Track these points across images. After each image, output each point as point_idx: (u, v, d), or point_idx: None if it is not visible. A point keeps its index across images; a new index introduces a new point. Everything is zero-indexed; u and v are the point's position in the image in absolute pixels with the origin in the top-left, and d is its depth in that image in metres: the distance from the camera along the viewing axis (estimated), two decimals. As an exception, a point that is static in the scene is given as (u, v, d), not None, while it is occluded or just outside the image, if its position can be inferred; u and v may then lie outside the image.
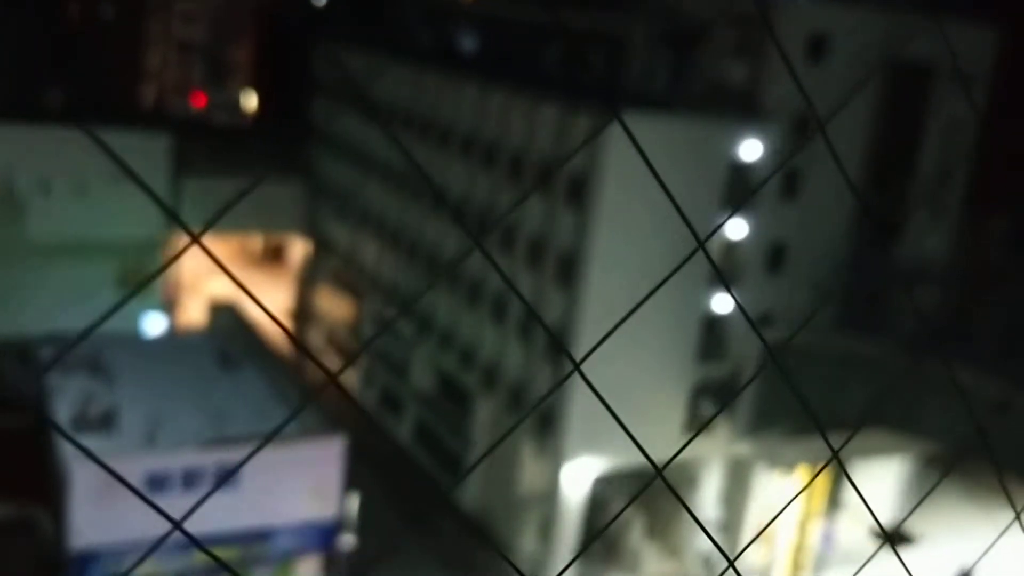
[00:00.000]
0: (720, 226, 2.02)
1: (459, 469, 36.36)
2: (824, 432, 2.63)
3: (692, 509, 33.43)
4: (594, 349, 1.97)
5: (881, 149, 34.65)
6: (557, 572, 30.87)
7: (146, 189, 1.51)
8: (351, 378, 45.43)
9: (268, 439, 1.68)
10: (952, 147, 36.16)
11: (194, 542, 1.59)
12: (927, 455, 36.93)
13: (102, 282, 40.37)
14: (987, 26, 35.59)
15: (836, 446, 2.61)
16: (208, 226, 1.52)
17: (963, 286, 35.55)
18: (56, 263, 40.00)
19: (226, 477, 1.81)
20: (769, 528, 34.98)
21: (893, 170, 35.44)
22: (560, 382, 2.33)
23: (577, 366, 1.92)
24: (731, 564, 2.31)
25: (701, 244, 1.88)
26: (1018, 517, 2.97)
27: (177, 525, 1.53)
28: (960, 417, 25.28)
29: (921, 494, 37.80)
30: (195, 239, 1.44)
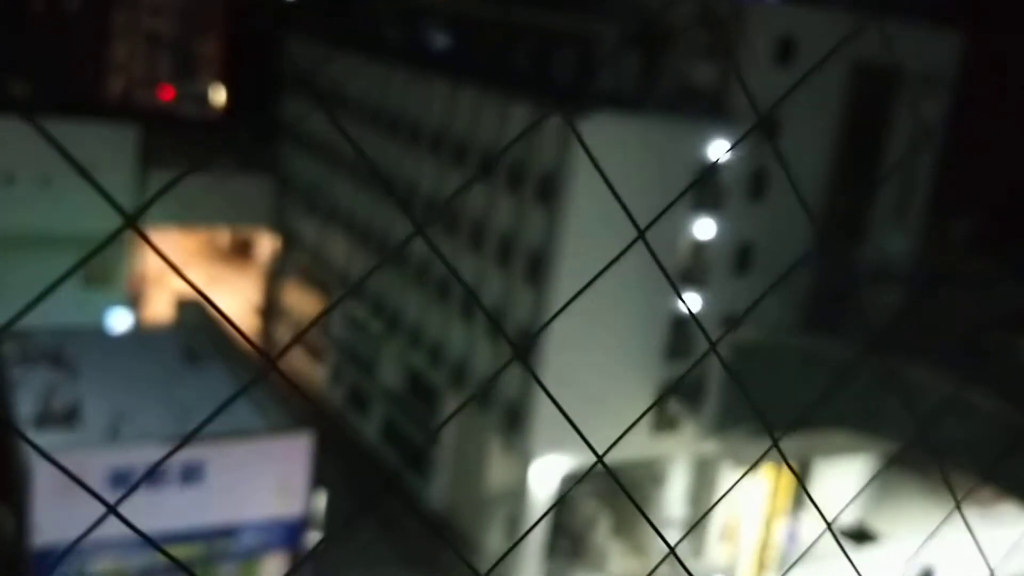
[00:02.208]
0: (660, 216, 2.05)
1: (425, 467, 36.30)
2: (770, 430, 2.67)
3: (658, 507, 33.45)
4: (536, 335, 1.98)
5: (846, 151, 34.95)
6: (521, 570, 30.95)
7: (81, 171, 1.50)
8: (318, 376, 45.22)
9: (192, 434, 1.69)
10: (916, 149, 36.52)
11: (128, 525, 1.59)
12: (891, 453, 37.28)
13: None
14: (952, 29, 36.01)
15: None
16: (143, 209, 1.52)
17: (925, 286, 35.94)
18: (19, 256, 39.50)
19: (153, 468, 1.81)
20: (734, 526, 35.21)
21: (858, 171, 35.75)
22: (502, 368, 2.35)
23: (518, 352, 1.93)
24: (671, 551, 2.34)
25: (641, 233, 1.90)
26: (958, 506, 3.02)
27: (112, 508, 1.53)
28: (919, 416, 25.58)
29: (886, 492, 38.19)
30: (130, 222, 1.44)
